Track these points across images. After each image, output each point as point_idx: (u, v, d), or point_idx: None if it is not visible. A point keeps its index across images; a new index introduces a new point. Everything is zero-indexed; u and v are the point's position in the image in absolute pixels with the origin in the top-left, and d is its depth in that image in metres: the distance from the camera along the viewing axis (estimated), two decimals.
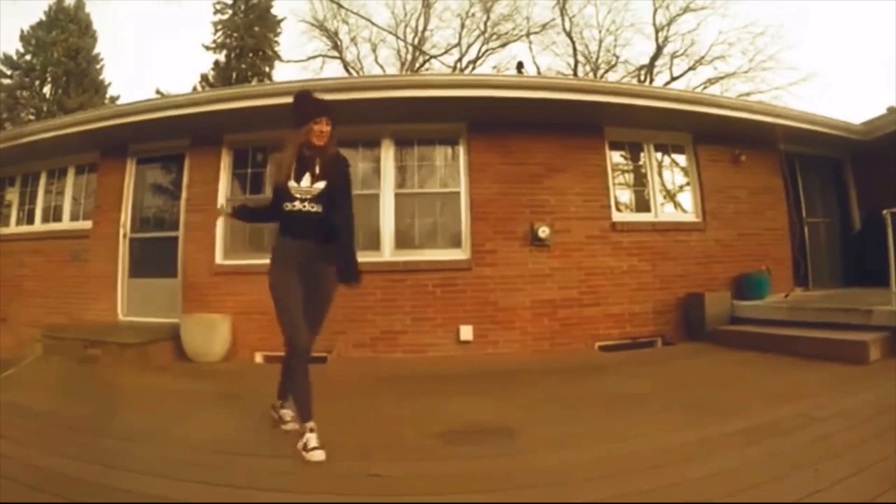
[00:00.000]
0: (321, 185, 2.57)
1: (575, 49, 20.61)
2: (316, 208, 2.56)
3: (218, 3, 21.66)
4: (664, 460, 2.16)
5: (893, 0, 17.59)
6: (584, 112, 5.52)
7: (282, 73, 22.12)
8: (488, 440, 2.57)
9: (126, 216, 6.16)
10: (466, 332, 5.24)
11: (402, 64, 21.22)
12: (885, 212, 4.53)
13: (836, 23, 29.30)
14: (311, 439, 2.34)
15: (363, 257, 5.39)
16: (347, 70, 21.53)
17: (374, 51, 21.91)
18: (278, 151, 2.70)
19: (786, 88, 18.67)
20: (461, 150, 5.69)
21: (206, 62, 28.43)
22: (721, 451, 2.24)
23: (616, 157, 6.07)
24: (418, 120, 5.56)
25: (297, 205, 2.56)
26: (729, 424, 2.59)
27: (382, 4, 25.33)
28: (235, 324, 5.32)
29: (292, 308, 2.51)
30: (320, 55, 22.18)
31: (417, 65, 21.16)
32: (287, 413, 2.79)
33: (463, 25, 21.14)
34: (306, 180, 2.57)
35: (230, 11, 21.60)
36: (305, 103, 2.65)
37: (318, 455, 2.28)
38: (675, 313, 5.66)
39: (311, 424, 2.40)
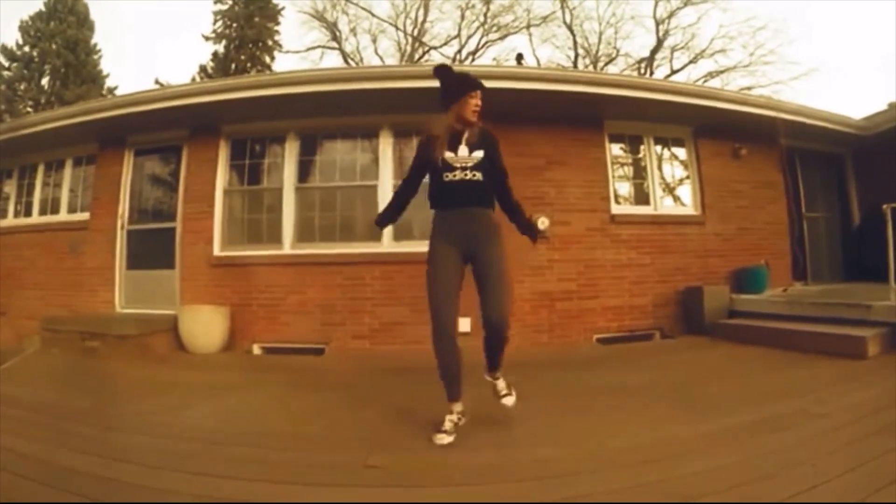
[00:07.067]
0: (480, 153, 2.65)
1: (575, 41, 20.49)
2: (478, 176, 2.63)
3: None
4: (662, 454, 2.15)
5: None
6: (584, 104, 5.47)
7: (281, 63, 22.04)
8: (484, 433, 2.57)
9: (124, 208, 6.14)
10: (465, 324, 5.17)
11: (402, 55, 21.09)
12: (884, 207, 4.53)
13: (837, 18, 29.18)
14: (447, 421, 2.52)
15: (361, 248, 5.45)
16: (346, 61, 21.40)
17: (373, 42, 21.79)
18: (425, 133, 2.78)
19: (787, 83, 18.65)
20: None
21: (205, 53, 28.41)
22: (720, 446, 2.23)
23: (616, 149, 6.04)
24: (417, 111, 5.52)
25: (459, 174, 2.63)
26: (727, 419, 2.58)
27: None
28: (233, 315, 5.32)
29: (442, 284, 2.75)
30: (319, 46, 22.05)
31: (417, 56, 21.05)
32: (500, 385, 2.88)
33: (463, 17, 20.98)
34: (463, 150, 2.64)
35: (230, 1, 21.39)
36: (455, 78, 2.70)
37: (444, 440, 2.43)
38: (673, 307, 5.66)
39: (453, 407, 2.59)
